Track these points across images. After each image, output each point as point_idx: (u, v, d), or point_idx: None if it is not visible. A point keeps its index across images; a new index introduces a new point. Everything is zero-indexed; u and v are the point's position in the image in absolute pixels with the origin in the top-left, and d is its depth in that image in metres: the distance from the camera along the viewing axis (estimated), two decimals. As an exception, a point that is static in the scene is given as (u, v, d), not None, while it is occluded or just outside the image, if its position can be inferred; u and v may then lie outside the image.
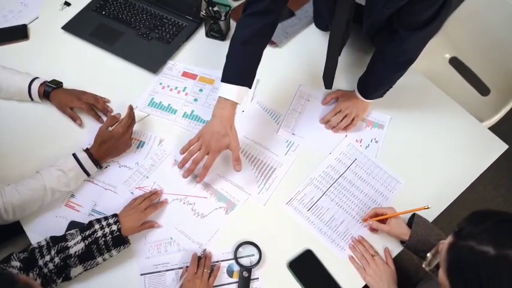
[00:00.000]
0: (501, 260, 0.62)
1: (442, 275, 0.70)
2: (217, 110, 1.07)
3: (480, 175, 1.20)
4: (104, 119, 1.23)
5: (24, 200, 1.00)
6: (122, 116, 1.14)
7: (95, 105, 1.23)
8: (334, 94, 1.29)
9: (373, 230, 1.10)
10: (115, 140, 1.10)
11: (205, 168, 1.08)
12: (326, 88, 1.26)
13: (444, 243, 0.71)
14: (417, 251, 1.04)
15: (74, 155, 1.07)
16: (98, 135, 1.11)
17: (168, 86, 1.32)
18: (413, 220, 1.04)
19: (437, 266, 0.74)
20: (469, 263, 0.65)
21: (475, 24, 1.57)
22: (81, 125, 1.22)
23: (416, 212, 1.05)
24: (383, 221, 1.07)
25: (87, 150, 1.09)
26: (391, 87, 1.20)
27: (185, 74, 1.34)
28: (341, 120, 1.23)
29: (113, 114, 1.15)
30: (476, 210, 0.71)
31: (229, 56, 1.08)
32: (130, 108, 1.14)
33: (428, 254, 0.76)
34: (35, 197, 1.02)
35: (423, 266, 0.77)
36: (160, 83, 1.32)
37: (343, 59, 1.36)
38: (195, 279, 0.98)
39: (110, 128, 1.11)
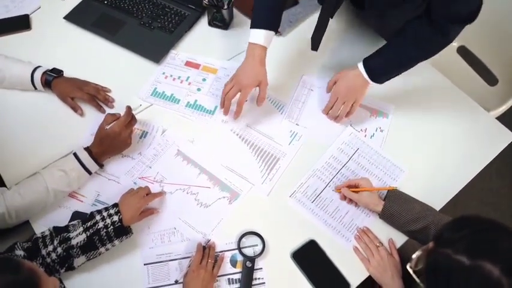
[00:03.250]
0: (474, 269, 0.63)
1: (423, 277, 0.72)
2: (248, 53, 1.14)
3: (487, 165, 1.18)
4: (106, 108, 1.23)
5: (27, 203, 0.99)
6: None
7: (96, 96, 1.22)
8: (334, 78, 1.21)
9: (346, 199, 1.11)
10: (112, 138, 1.08)
11: (238, 104, 1.15)
12: (312, 49, 1.26)
13: (429, 246, 0.71)
14: (393, 224, 1.06)
15: (75, 155, 1.06)
16: (97, 133, 1.10)
17: (171, 76, 1.31)
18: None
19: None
20: (444, 269, 0.66)
21: (484, 13, 1.52)
22: (82, 114, 1.22)
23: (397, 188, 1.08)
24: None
25: (87, 149, 1.08)
26: (405, 69, 1.13)
27: (188, 64, 1.33)
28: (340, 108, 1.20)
29: (111, 112, 1.13)
30: (459, 216, 0.72)
31: (256, 5, 1.14)
32: (129, 108, 1.12)
33: (414, 255, 0.76)
34: (38, 200, 1.01)
35: (407, 267, 0.76)
36: (163, 73, 1.31)
37: (348, 35, 1.34)
38: (199, 269, 0.98)
39: (108, 127, 1.09)
